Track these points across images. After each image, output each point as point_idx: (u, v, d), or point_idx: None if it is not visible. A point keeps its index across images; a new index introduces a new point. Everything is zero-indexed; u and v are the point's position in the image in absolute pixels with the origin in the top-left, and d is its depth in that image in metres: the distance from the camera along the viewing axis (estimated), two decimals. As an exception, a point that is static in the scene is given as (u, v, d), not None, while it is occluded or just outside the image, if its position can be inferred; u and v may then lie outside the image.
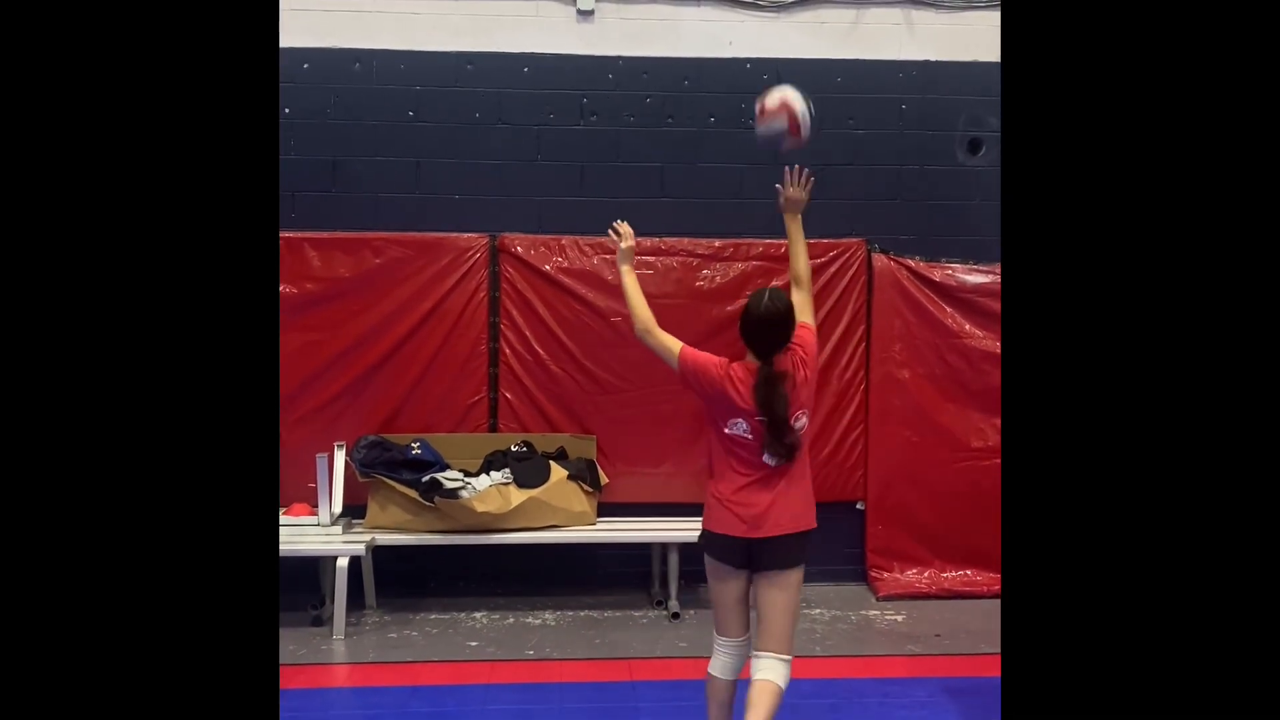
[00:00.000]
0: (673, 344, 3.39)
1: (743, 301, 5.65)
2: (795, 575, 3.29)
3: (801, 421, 3.26)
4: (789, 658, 3.30)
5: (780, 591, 3.26)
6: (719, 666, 3.36)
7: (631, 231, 3.62)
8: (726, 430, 3.27)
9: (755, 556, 3.26)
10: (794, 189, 3.62)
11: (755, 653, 3.30)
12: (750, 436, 3.23)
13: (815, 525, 3.33)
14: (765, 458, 3.23)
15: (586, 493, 5.61)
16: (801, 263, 3.57)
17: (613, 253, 5.75)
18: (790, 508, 3.26)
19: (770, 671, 3.25)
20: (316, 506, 5.40)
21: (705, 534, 3.35)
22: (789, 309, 3.29)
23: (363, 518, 5.51)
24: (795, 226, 3.63)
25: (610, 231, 3.63)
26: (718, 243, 5.87)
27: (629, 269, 3.55)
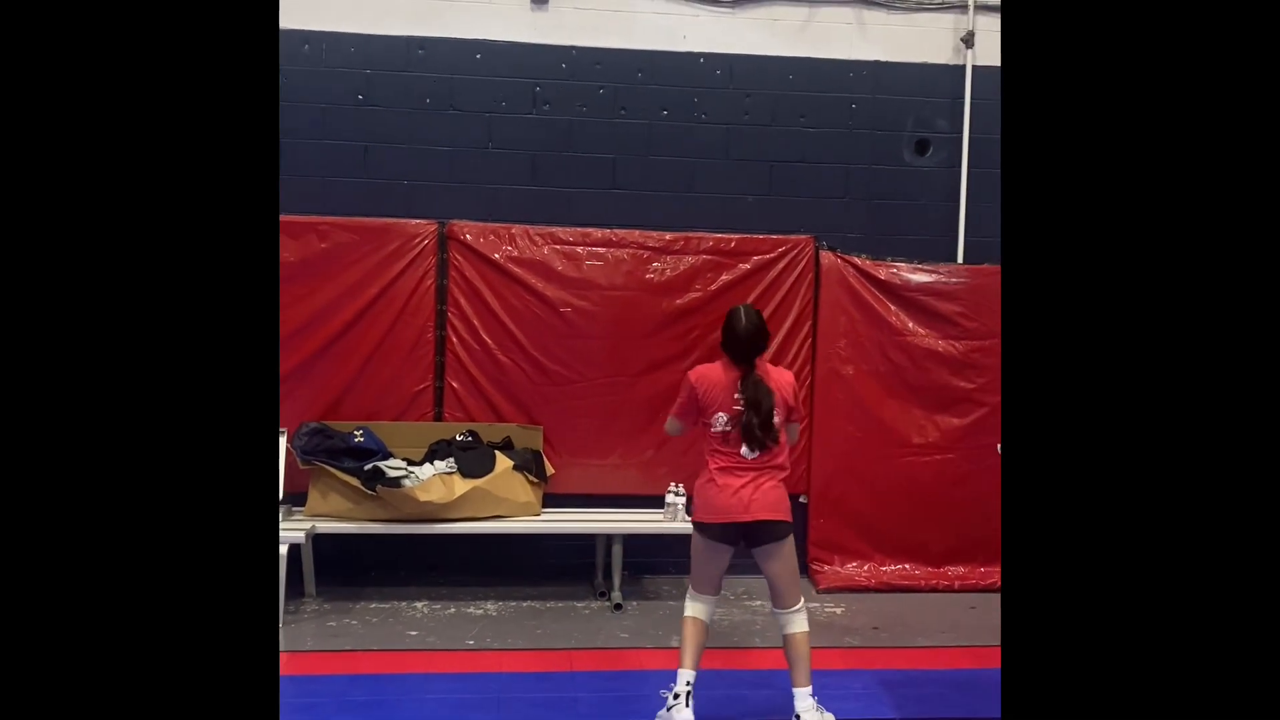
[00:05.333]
0: (673, 419, 4.01)
1: (693, 295, 5.81)
2: (788, 544, 3.88)
3: (779, 420, 3.82)
4: (802, 604, 3.91)
5: (779, 561, 3.86)
6: (702, 611, 3.90)
7: None
8: (713, 427, 3.83)
9: (750, 535, 3.82)
10: None
11: (776, 610, 3.91)
12: (729, 428, 3.80)
13: (790, 517, 3.89)
14: (743, 451, 3.78)
15: (532, 483, 5.60)
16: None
17: (563, 242, 5.80)
18: (775, 495, 3.82)
19: (799, 624, 3.87)
20: (256, 493, 5.32)
21: (703, 525, 3.86)
22: (761, 324, 3.90)
23: (303, 505, 5.45)
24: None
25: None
26: (668, 236, 5.89)
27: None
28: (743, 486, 3.78)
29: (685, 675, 3.81)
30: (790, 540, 3.89)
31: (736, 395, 3.78)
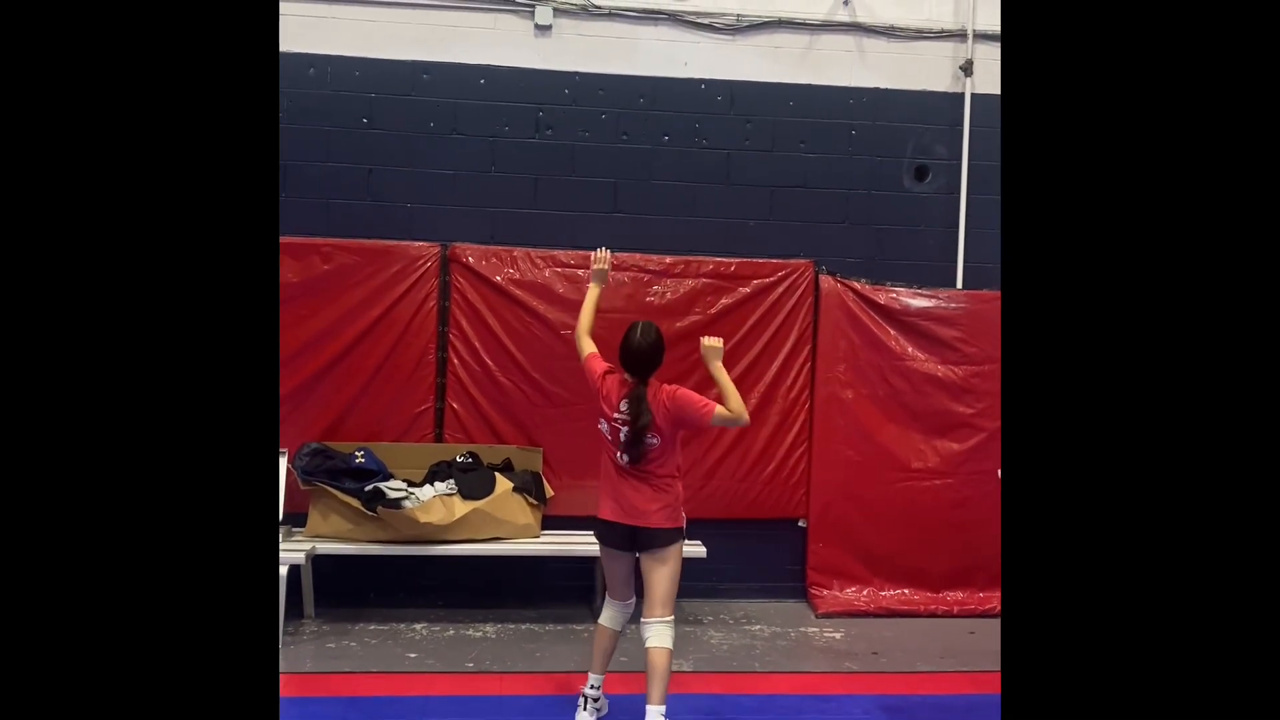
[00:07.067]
0: (585, 348, 4.19)
1: (693, 318, 5.83)
2: (672, 550, 3.94)
3: (652, 441, 3.87)
4: (671, 618, 3.94)
5: (660, 566, 3.92)
6: (609, 619, 4.10)
7: (608, 257, 4.36)
8: (599, 426, 4.01)
9: (637, 539, 3.94)
10: (707, 342, 4.09)
11: (644, 620, 3.94)
12: (610, 437, 3.95)
13: (681, 524, 4.00)
14: (619, 456, 3.91)
15: (531, 505, 5.61)
16: (731, 402, 3.90)
17: (564, 265, 5.84)
18: (655, 504, 3.89)
19: (659, 638, 3.90)
20: (256, 514, 5.31)
21: (594, 519, 4.07)
22: (656, 342, 3.95)
23: (303, 526, 5.45)
24: (715, 371, 4.02)
25: (594, 253, 4.40)
26: (669, 259, 5.92)
27: (595, 286, 4.34)
28: (630, 491, 3.92)
29: (591, 680, 4.13)
30: (675, 548, 3.95)
31: (621, 409, 3.89)
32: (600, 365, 4.08)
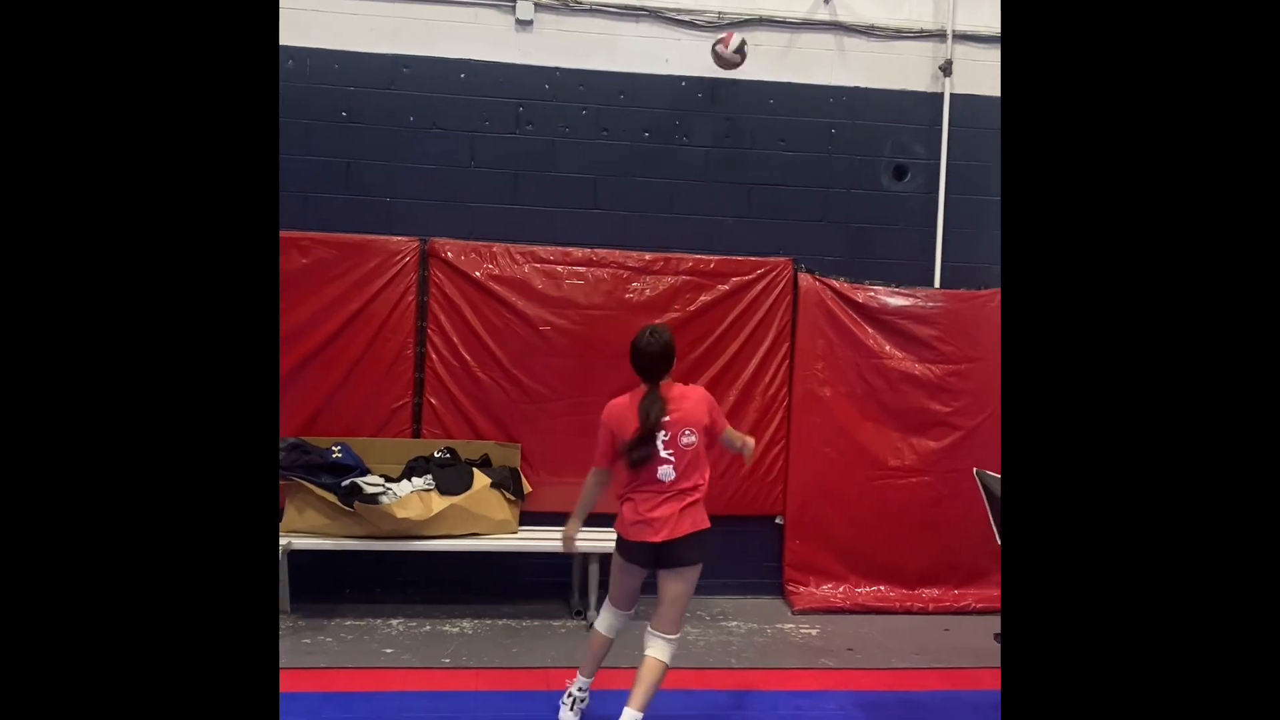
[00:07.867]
0: (594, 470, 4.13)
1: (672, 315, 5.84)
2: (694, 570, 3.94)
3: (689, 438, 3.89)
4: (678, 637, 3.96)
5: (679, 580, 3.91)
6: (606, 626, 4.12)
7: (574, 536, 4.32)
8: (623, 454, 3.91)
9: (660, 556, 3.90)
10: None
11: (651, 630, 3.94)
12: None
13: (708, 525, 3.96)
14: (658, 474, 3.86)
15: (509, 501, 5.60)
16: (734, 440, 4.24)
17: (544, 261, 5.83)
18: (683, 519, 3.88)
19: (660, 651, 3.91)
20: (231, 508, 5.29)
21: (619, 540, 4.02)
22: (667, 344, 3.92)
23: (279, 520, 5.43)
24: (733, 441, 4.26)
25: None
26: (648, 256, 5.92)
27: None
28: (654, 508, 3.86)
29: (578, 681, 4.15)
30: (698, 568, 3.94)
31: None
32: (611, 418, 3.96)
